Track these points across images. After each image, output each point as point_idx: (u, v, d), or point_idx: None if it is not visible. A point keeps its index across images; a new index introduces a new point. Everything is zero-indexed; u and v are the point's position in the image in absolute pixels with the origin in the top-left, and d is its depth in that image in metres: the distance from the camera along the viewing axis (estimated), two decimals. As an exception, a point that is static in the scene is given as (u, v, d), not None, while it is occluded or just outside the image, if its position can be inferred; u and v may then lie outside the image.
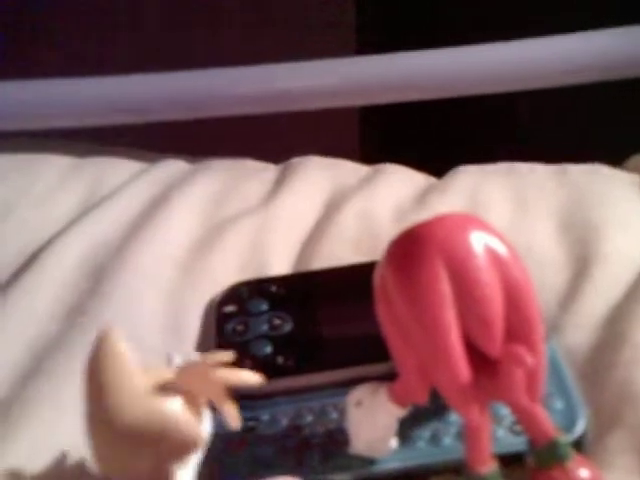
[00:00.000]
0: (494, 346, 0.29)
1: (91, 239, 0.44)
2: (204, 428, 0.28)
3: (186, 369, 0.28)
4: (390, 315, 0.30)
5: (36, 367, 0.37)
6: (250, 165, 0.53)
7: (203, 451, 0.28)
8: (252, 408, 0.31)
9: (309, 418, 0.34)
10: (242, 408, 0.29)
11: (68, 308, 0.40)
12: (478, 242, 0.29)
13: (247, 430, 0.34)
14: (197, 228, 0.45)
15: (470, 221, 0.30)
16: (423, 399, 0.30)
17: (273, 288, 0.41)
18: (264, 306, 0.40)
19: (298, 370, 0.36)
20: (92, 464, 0.32)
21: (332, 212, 0.46)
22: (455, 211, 0.32)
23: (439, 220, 0.30)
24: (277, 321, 0.39)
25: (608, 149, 0.48)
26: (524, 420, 0.30)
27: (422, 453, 0.32)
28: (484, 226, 0.30)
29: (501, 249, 0.29)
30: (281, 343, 0.38)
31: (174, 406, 0.27)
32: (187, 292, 0.41)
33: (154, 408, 0.27)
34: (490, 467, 0.29)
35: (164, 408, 0.27)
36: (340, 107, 0.58)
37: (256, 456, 0.33)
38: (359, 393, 0.32)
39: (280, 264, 0.44)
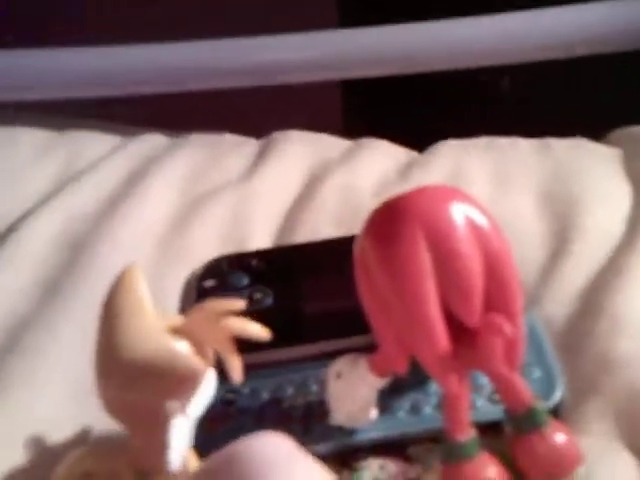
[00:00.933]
0: (473, 316, 0.29)
1: (67, 213, 0.44)
2: (209, 373, 0.28)
3: (195, 314, 0.28)
4: (369, 286, 0.30)
5: (9, 345, 0.36)
6: (230, 140, 0.53)
7: (203, 407, 0.28)
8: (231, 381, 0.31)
9: (290, 391, 0.34)
10: (222, 381, 0.29)
11: (43, 283, 0.40)
12: (459, 213, 0.29)
13: (227, 403, 0.34)
14: (176, 203, 0.45)
15: (451, 192, 0.30)
16: (402, 369, 0.30)
17: (254, 262, 0.41)
18: (245, 280, 0.40)
19: (279, 343, 0.36)
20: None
21: (314, 186, 0.46)
22: (436, 183, 0.32)
23: (420, 191, 0.30)
24: (258, 295, 0.39)
25: (590, 123, 0.48)
26: (502, 388, 0.30)
27: (402, 423, 0.32)
28: (465, 198, 0.30)
29: (482, 220, 0.29)
30: (262, 317, 0.37)
31: (181, 345, 0.27)
32: (166, 267, 0.41)
33: (163, 343, 0.27)
34: (468, 435, 0.29)
35: (172, 344, 0.27)
36: (322, 80, 0.58)
37: (236, 430, 0.33)
38: (339, 365, 0.32)
39: (261, 238, 0.43)
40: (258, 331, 0.28)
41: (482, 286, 0.29)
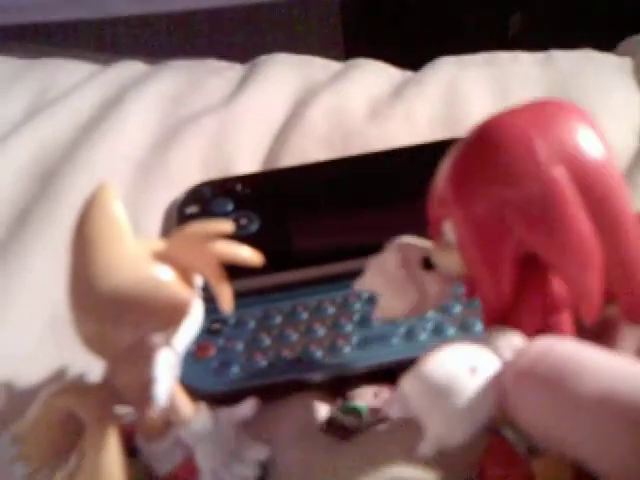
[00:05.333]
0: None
1: (38, 141, 0.41)
2: (196, 302, 0.25)
3: (179, 237, 0.25)
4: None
5: None
6: (213, 64, 0.50)
7: (190, 338, 0.26)
8: (217, 310, 0.29)
9: (278, 319, 0.33)
10: (206, 310, 0.27)
11: (14, 214, 0.37)
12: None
13: (213, 333, 0.32)
14: (155, 127, 0.42)
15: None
16: None
17: (238, 187, 0.38)
18: (229, 206, 0.37)
19: (265, 269, 0.34)
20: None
21: (302, 108, 0.43)
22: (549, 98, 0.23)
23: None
24: (243, 221, 0.37)
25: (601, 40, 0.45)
26: None
27: (397, 350, 0.31)
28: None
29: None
30: (248, 243, 0.35)
31: (164, 273, 0.24)
32: (145, 194, 0.38)
33: (145, 271, 0.24)
34: None
35: (156, 271, 0.24)
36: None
37: (225, 361, 0.31)
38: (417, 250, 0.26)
39: (246, 163, 0.41)
40: (250, 256, 0.25)
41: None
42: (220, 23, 0.56)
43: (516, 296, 0.23)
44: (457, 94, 0.43)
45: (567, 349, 0.20)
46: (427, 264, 0.26)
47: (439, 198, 0.24)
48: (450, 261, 0.24)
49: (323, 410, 0.30)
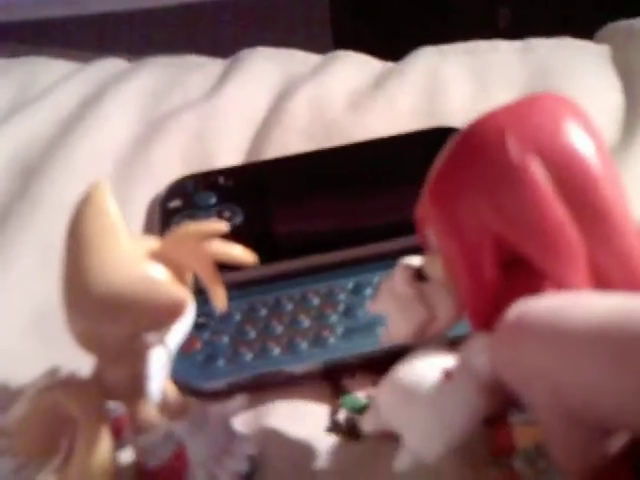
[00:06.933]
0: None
1: (21, 138, 0.41)
2: (189, 301, 0.25)
3: (174, 237, 0.26)
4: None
5: None
6: (194, 60, 0.50)
7: (182, 336, 0.26)
8: (202, 304, 0.29)
9: (263, 311, 0.33)
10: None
11: None
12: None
13: (199, 327, 0.32)
14: (135, 123, 0.42)
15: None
16: None
17: (221, 180, 0.38)
18: (212, 199, 0.37)
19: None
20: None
21: (283, 101, 0.43)
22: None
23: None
24: (227, 213, 0.37)
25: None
26: None
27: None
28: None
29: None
30: (231, 236, 0.35)
31: (159, 272, 0.24)
32: (126, 189, 0.38)
33: (141, 270, 0.24)
34: None
35: (149, 271, 0.24)
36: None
37: (212, 354, 0.31)
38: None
39: (228, 157, 0.41)
40: (243, 254, 0.26)
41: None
42: (206, 18, 0.56)
43: (503, 301, 0.21)
44: (438, 84, 0.43)
45: (551, 299, 0.20)
46: (420, 276, 0.25)
47: (422, 204, 0.23)
48: (437, 268, 0.24)
49: (309, 406, 0.29)
